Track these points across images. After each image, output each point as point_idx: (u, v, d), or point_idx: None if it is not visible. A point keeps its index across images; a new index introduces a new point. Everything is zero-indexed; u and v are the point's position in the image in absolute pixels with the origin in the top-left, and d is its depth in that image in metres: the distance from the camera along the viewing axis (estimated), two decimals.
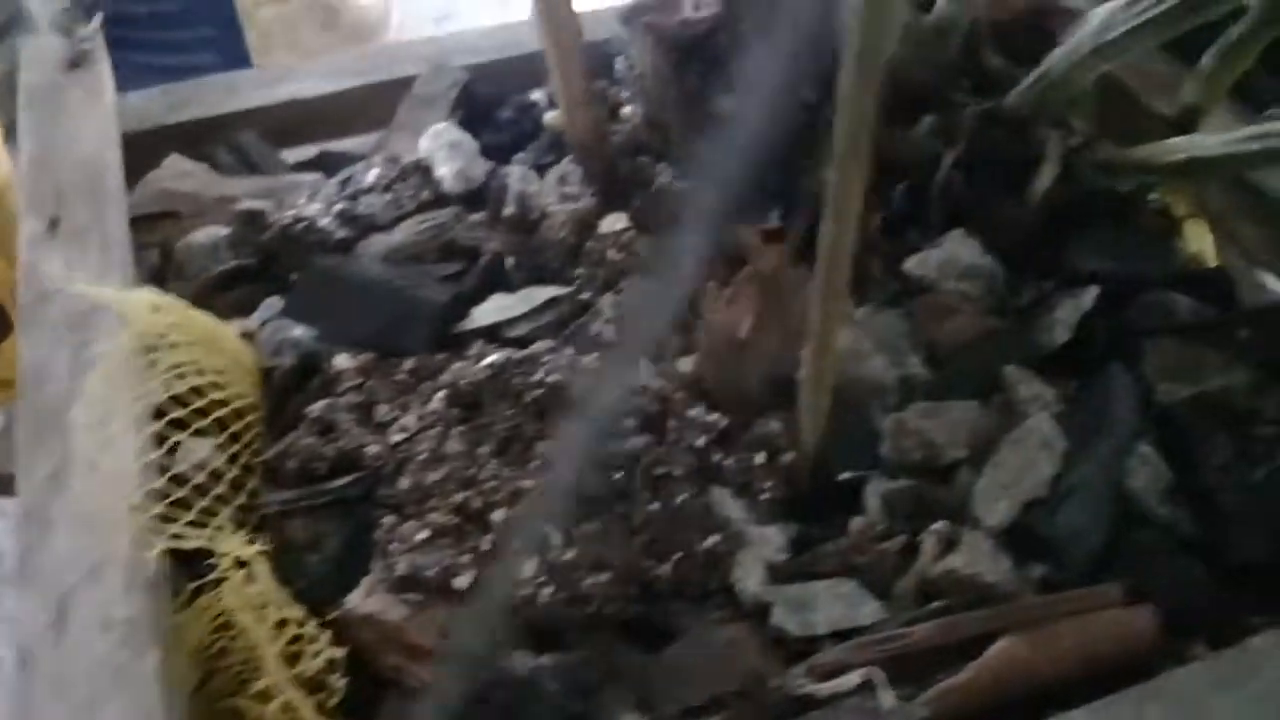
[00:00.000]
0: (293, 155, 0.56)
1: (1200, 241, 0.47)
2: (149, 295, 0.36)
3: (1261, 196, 0.45)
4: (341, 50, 0.81)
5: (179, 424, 0.36)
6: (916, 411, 0.41)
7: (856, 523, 0.40)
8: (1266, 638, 0.35)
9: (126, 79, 0.53)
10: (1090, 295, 0.44)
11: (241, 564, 0.33)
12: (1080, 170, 0.45)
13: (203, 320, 0.38)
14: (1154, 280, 0.45)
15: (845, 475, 0.40)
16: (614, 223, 0.44)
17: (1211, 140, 0.40)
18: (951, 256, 0.45)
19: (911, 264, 0.45)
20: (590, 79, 0.45)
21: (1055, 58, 0.41)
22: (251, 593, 0.32)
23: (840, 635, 0.37)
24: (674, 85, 0.43)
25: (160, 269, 0.48)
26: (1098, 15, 0.40)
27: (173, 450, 0.38)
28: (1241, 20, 0.43)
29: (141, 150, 0.51)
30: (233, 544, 0.33)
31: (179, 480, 0.36)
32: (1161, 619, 0.36)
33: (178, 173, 0.50)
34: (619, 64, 0.47)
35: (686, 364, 0.42)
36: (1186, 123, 0.45)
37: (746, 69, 0.29)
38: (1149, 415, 0.42)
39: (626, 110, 0.47)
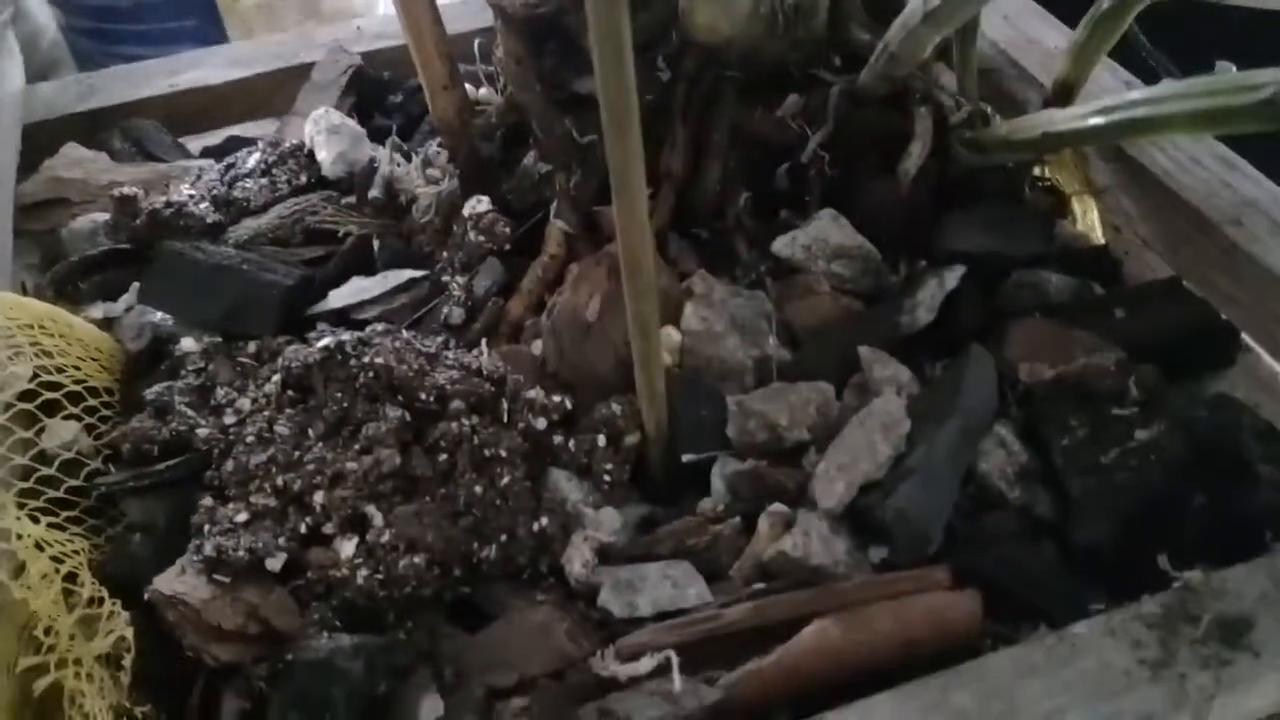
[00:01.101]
0: (202, 141, 0.56)
1: (1087, 219, 0.46)
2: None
3: (1142, 170, 0.43)
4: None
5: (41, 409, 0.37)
6: (760, 394, 0.40)
7: (704, 504, 0.39)
8: (1090, 624, 0.34)
9: None
10: (955, 275, 0.43)
11: (39, 546, 0.33)
12: (952, 148, 0.44)
13: (50, 311, 0.38)
14: (1028, 259, 0.44)
15: (689, 457, 0.40)
16: (476, 205, 0.44)
17: (1062, 115, 0.39)
18: (821, 236, 0.44)
19: (779, 244, 0.44)
20: (452, 62, 0.45)
21: (893, 29, 0.40)
22: (45, 568, 0.32)
23: (664, 617, 0.36)
24: (530, 67, 0.43)
25: (51, 253, 0.49)
26: None
27: (38, 432, 0.39)
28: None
29: (49, 138, 0.52)
30: (32, 527, 0.33)
31: (43, 460, 0.37)
32: (985, 603, 0.35)
33: (70, 160, 0.51)
34: (478, 46, 0.46)
35: (537, 346, 0.42)
36: (1060, 97, 0.44)
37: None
38: (1010, 397, 0.41)
39: (485, 92, 0.47)
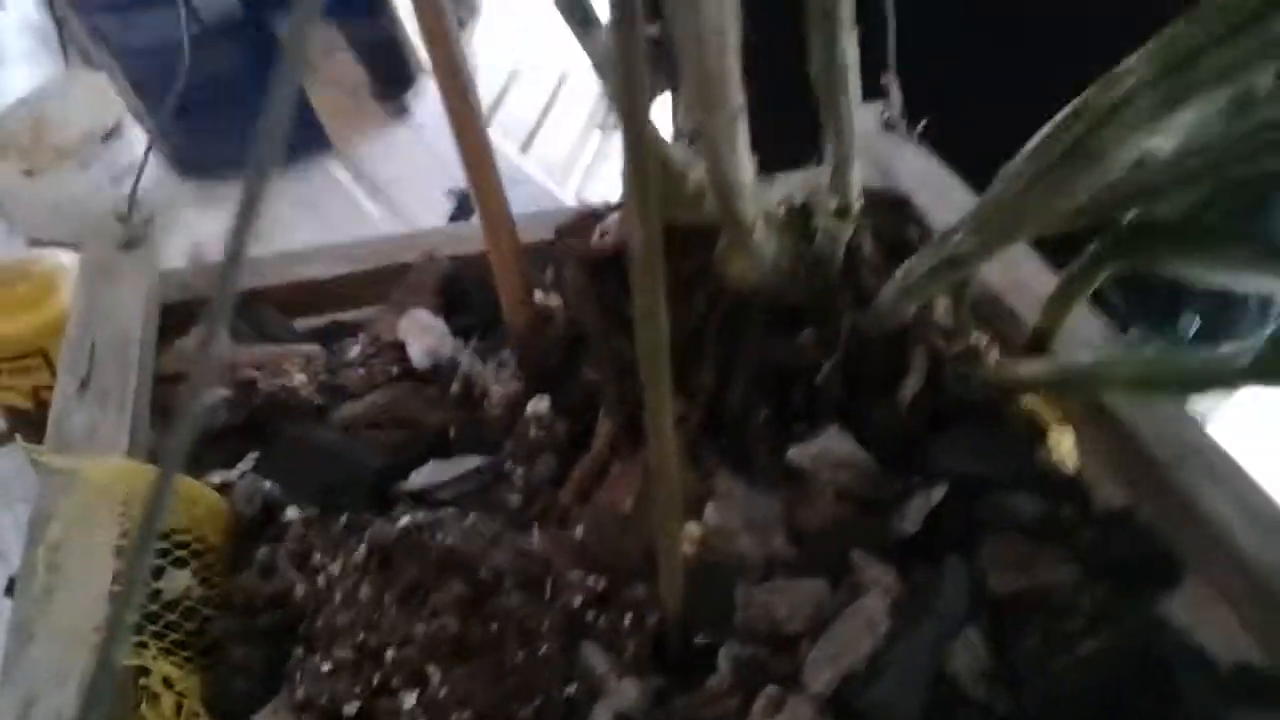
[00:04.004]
0: (308, 323, 0.66)
1: (1062, 448, 0.53)
2: (123, 462, 0.45)
3: (1104, 410, 0.51)
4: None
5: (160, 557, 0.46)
6: (766, 588, 0.47)
7: (711, 681, 0.46)
8: None
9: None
10: (940, 491, 0.50)
11: (168, 683, 0.41)
12: (944, 379, 0.52)
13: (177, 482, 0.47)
14: (1006, 482, 0.51)
15: (701, 639, 0.47)
16: (538, 405, 0.53)
17: (1027, 366, 0.47)
18: (827, 449, 0.52)
19: (793, 453, 0.52)
20: (527, 281, 0.54)
21: (895, 281, 0.48)
22: (171, 702, 0.40)
23: None
24: (591, 295, 0.51)
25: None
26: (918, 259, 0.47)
27: (157, 577, 0.47)
28: (1086, 252, 0.49)
29: (180, 317, 0.62)
30: (165, 666, 0.41)
31: (164, 606, 0.45)
32: None
33: (200, 340, 0.60)
34: (549, 273, 0.55)
35: (580, 532, 0.49)
36: (1036, 344, 0.52)
37: None
38: (980, 604, 0.47)
39: (551, 299, 0.55)
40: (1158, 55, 0.31)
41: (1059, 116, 0.36)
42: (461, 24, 2.63)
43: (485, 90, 2.69)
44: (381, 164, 1.31)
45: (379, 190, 1.28)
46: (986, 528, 0.50)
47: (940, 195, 0.63)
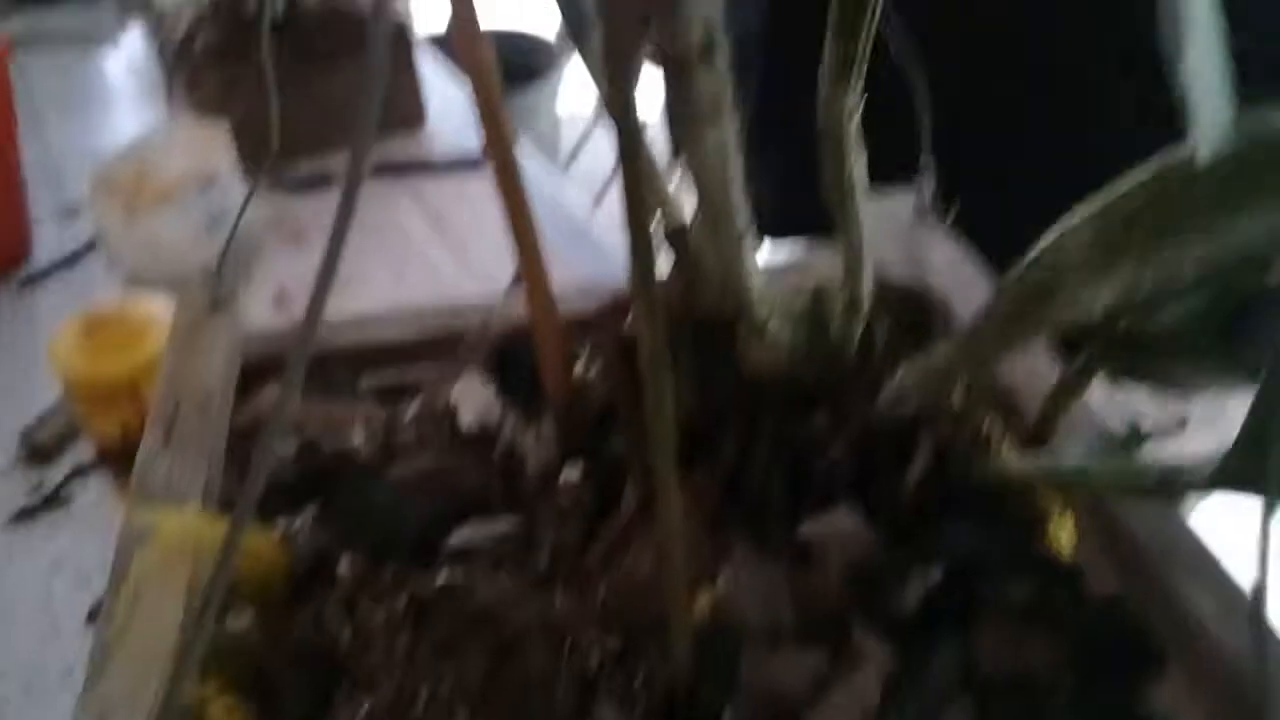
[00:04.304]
0: (372, 381, 0.72)
1: (1060, 533, 0.56)
2: (196, 516, 0.51)
3: (1098, 502, 0.54)
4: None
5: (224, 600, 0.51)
6: (771, 655, 0.51)
7: None
8: None
9: None
10: (939, 571, 0.53)
11: (227, 714, 0.46)
12: (950, 464, 0.56)
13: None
14: (1003, 564, 0.54)
15: (707, 702, 0.51)
16: (570, 473, 0.57)
17: (1019, 463, 0.50)
18: (837, 526, 0.56)
19: (805, 529, 0.56)
20: (568, 355, 0.59)
21: (906, 372, 0.52)
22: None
23: None
24: (621, 375, 0.56)
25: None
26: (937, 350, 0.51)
27: (221, 618, 0.52)
28: (1080, 357, 0.53)
29: (260, 374, 0.68)
30: (224, 699, 0.46)
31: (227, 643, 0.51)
32: None
33: (280, 393, 0.66)
34: (585, 348, 0.60)
35: (602, 593, 0.54)
36: (1038, 437, 0.55)
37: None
38: (970, 682, 0.51)
39: (592, 379, 0.60)
40: (1096, 218, 0.35)
41: (1023, 262, 0.40)
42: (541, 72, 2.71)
43: (567, 139, 2.77)
44: (455, 211, 1.38)
45: (450, 238, 1.34)
46: (982, 607, 0.53)
47: (964, 285, 0.66)
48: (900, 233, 0.70)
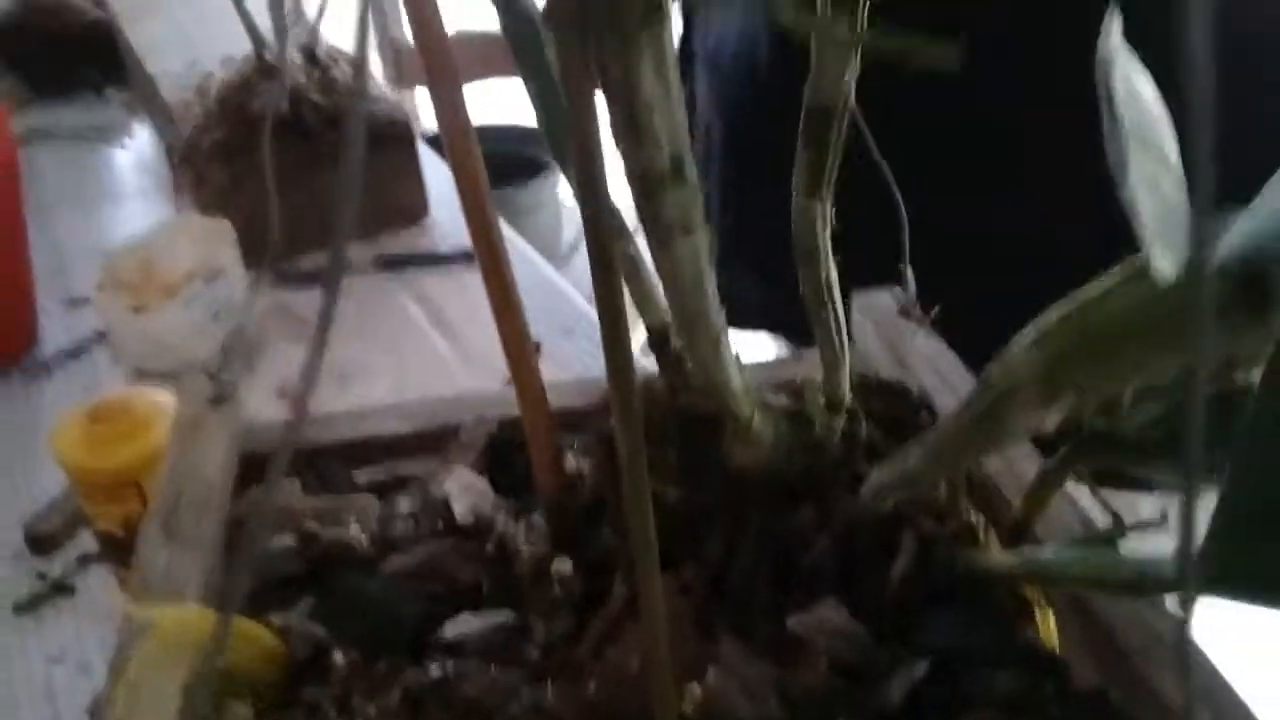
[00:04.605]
0: (369, 474, 0.73)
1: (1045, 626, 0.57)
2: (194, 610, 0.52)
3: (1079, 596, 0.55)
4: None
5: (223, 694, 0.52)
6: None
7: None
8: None
9: None
10: (924, 665, 0.54)
11: None
12: (935, 559, 0.57)
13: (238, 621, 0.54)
14: (988, 658, 0.55)
15: None
16: (561, 565, 0.58)
17: (998, 557, 0.51)
18: (824, 620, 0.56)
19: (791, 622, 0.57)
20: (557, 451, 0.61)
21: (886, 471, 0.54)
22: None
23: None
24: (611, 472, 0.58)
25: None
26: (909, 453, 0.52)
27: (218, 710, 0.53)
28: (1057, 454, 0.54)
29: (260, 467, 0.69)
30: None
31: None
32: None
33: (270, 488, 0.68)
34: (578, 442, 0.62)
35: (592, 687, 0.55)
36: (1018, 532, 0.56)
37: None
38: None
39: (583, 472, 0.62)
40: (1037, 346, 0.37)
41: (975, 387, 0.41)
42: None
43: (570, 228, 2.82)
44: (454, 302, 1.40)
45: (450, 329, 1.36)
46: (968, 701, 0.54)
47: (946, 381, 0.68)
48: (884, 328, 0.72)
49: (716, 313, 0.42)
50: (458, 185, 0.55)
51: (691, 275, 0.38)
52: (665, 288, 0.40)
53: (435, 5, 0.52)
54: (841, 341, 0.52)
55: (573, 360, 1.20)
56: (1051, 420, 0.38)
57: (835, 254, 0.50)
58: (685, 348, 0.45)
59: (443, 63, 0.52)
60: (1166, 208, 0.40)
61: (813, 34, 0.39)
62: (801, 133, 0.42)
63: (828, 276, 0.48)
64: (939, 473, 0.48)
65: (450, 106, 0.54)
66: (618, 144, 0.32)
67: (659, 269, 0.39)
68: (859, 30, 0.37)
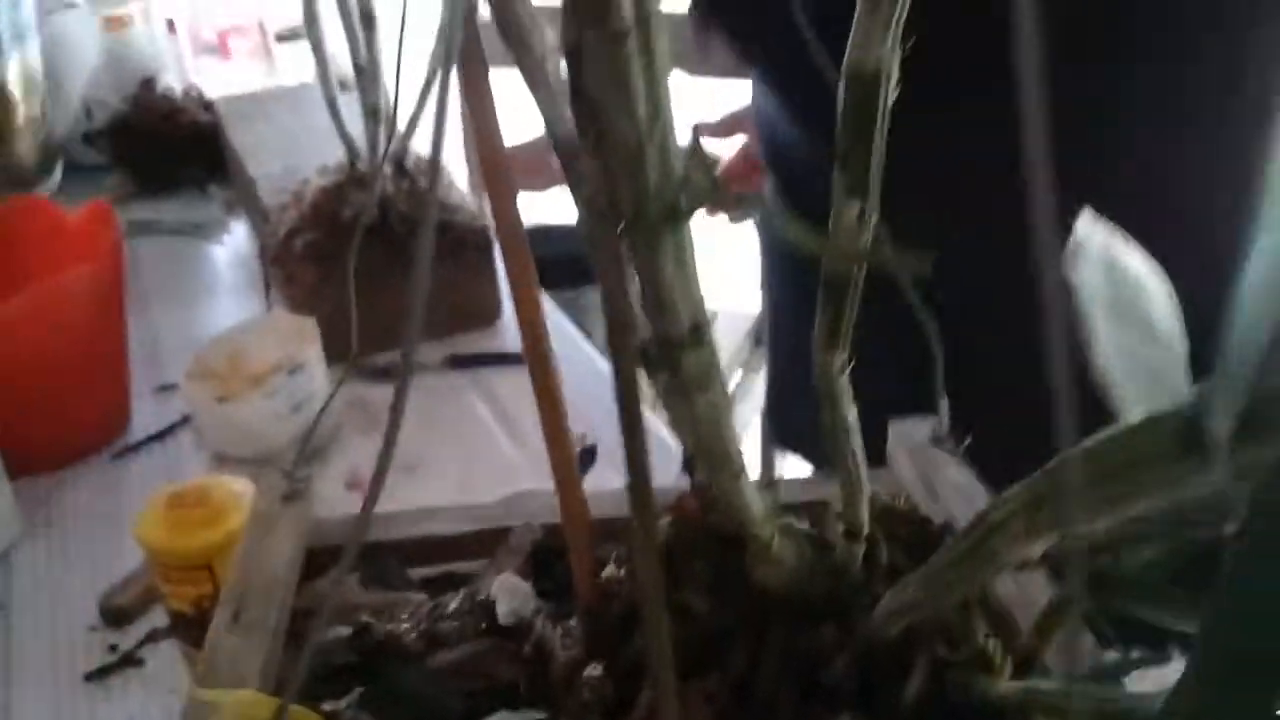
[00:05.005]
0: (424, 572, 0.78)
1: None
2: (254, 695, 0.57)
3: None
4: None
5: None
6: None
7: None
8: None
9: None
10: None
11: None
12: (950, 681, 0.59)
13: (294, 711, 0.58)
14: None
15: None
16: (594, 669, 0.62)
17: (1008, 687, 0.54)
18: None
19: None
20: (595, 559, 0.65)
21: (898, 596, 0.57)
22: None
23: None
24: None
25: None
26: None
27: None
28: (1060, 592, 0.57)
29: (324, 559, 0.75)
30: None
31: None
32: None
33: (332, 583, 0.73)
34: (616, 553, 0.66)
35: None
36: (1027, 662, 0.59)
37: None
38: None
39: (620, 581, 0.66)
40: (1023, 492, 0.41)
41: (970, 522, 0.45)
42: None
43: None
44: (520, 401, 1.46)
45: (514, 426, 1.42)
46: None
47: (971, 509, 0.71)
48: (917, 457, 0.76)
49: (737, 453, 0.46)
50: (514, 298, 0.60)
51: (710, 424, 0.43)
52: (686, 435, 0.44)
53: (494, 114, 0.55)
54: (859, 476, 0.55)
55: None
56: (1035, 551, 0.41)
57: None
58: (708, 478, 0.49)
59: (499, 171, 0.56)
60: (1147, 371, 0.44)
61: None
62: (820, 291, 0.47)
63: (845, 418, 0.52)
64: (939, 600, 0.52)
65: (505, 215, 0.58)
66: (644, 312, 0.37)
67: (675, 422, 0.43)
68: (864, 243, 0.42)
